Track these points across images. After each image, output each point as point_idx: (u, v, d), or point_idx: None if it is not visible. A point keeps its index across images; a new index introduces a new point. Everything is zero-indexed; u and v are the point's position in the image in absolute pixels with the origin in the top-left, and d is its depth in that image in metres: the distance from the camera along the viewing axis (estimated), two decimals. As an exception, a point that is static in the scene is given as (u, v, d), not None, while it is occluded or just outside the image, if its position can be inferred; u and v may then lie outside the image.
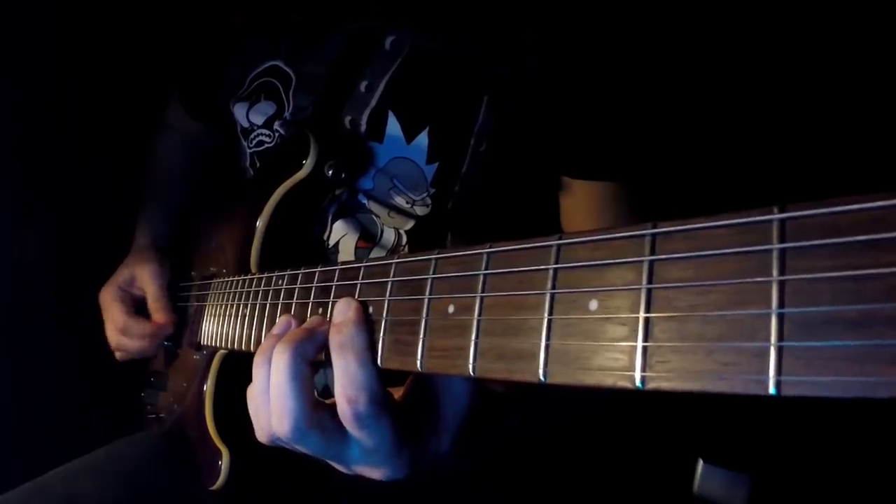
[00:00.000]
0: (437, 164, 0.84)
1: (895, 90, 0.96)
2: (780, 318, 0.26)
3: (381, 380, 0.48)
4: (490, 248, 0.40)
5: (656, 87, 0.83)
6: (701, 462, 0.99)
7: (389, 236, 0.89)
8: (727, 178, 1.08)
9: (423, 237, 0.88)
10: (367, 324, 0.49)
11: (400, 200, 0.87)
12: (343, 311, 0.51)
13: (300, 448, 0.52)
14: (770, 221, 0.27)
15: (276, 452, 0.84)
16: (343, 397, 0.48)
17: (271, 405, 0.51)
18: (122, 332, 1.02)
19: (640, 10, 0.81)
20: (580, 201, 0.84)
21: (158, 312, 1.02)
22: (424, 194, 0.86)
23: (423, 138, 0.83)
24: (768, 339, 0.26)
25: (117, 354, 1.06)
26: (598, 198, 0.83)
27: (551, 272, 0.35)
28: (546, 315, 0.35)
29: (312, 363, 0.52)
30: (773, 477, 0.97)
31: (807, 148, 1.05)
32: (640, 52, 0.82)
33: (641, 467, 1.03)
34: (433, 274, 0.44)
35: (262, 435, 0.54)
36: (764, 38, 1.07)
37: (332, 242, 0.89)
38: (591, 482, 0.91)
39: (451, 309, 0.42)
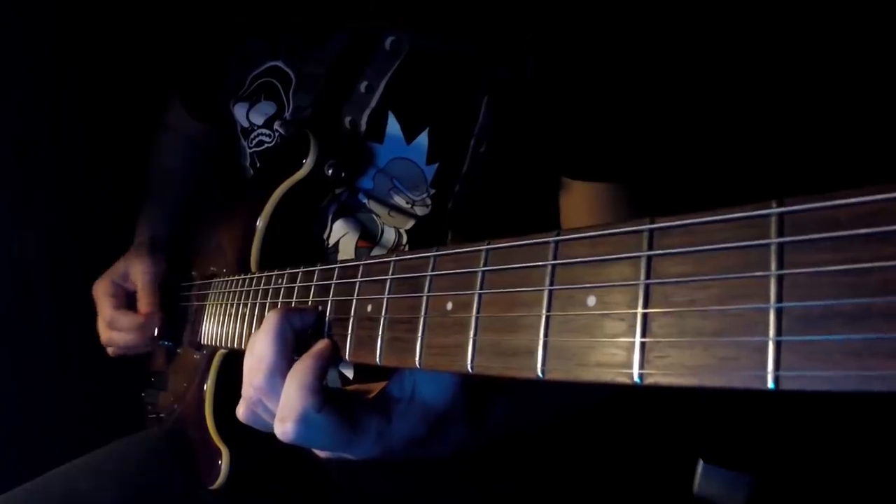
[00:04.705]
0: (436, 165, 0.84)
1: (890, 85, 0.96)
2: (779, 312, 0.26)
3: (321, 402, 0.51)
4: (489, 244, 0.40)
5: (654, 87, 0.83)
6: (701, 462, 0.99)
7: (390, 236, 0.88)
8: (727, 178, 1.08)
9: (424, 236, 0.88)
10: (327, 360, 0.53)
11: (400, 200, 0.87)
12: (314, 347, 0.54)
13: (271, 405, 0.54)
14: (768, 216, 0.27)
15: (276, 452, 0.84)
16: (278, 418, 0.52)
17: (252, 359, 0.55)
18: (109, 326, 1.03)
19: (636, 9, 0.81)
20: (580, 202, 0.84)
21: (143, 301, 1.03)
22: (424, 195, 0.85)
23: (423, 139, 0.83)
24: (767, 334, 0.26)
25: (108, 350, 1.07)
26: (598, 198, 0.82)
27: (549, 268, 0.35)
28: (544, 311, 0.35)
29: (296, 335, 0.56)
30: (774, 477, 0.97)
31: (807, 145, 1.04)
32: (638, 52, 0.82)
33: (641, 467, 1.03)
34: (432, 271, 0.44)
35: (244, 390, 0.57)
36: (759, 37, 1.07)
37: (332, 242, 0.89)
38: (590, 482, 0.91)
39: (449, 306, 0.42)
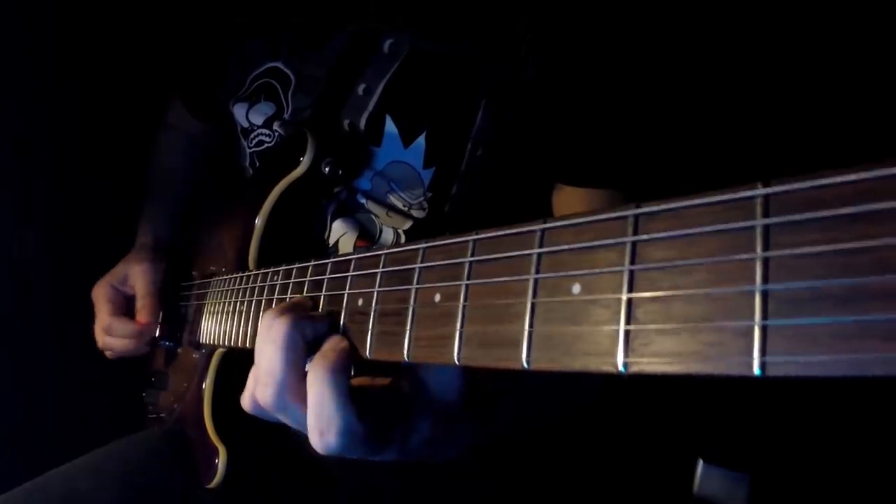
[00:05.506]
0: (433, 169, 0.84)
1: (879, 77, 0.95)
2: (765, 294, 0.25)
3: (352, 410, 0.47)
4: (476, 234, 0.40)
5: (650, 94, 0.83)
6: (701, 462, 0.98)
7: (388, 235, 0.88)
8: (725, 184, 1.07)
9: (422, 237, 0.87)
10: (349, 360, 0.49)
11: (397, 202, 0.87)
12: (334, 345, 0.50)
13: (281, 418, 0.51)
14: (754, 197, 0.26)
15: (274, 451, 0.84)
16: (315, 430, 0.47)
17: (259, 369, 0.51)
18: (106, 332, 1.03)
19: (635, 13, 0.81)
20: (575, 207, 0.83)
21: (142, 311, 1.03)
22: (421, 198, 0.85)
23: (420, 142, 0.83)
24: (752, 318, 0.25)
25: (106, 353, 1.07)
26: (593, 204, 0.82)
27: (535, 257, 0.35)
28: (529, 300, 0.34)
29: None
30: (773, 477, 0.96)
31: (807, 152, 1.04)
32: (637, 56, 0.81)
33: (641, 467, 1.02)
34: (420, 263, 0.44)
35: (245, 400, 0.54)
36: (757, 42, 1.07)
37: (331, 241, 0.89)
38: (590, 482, 0.90)
39: (437, 298, 0.41)
